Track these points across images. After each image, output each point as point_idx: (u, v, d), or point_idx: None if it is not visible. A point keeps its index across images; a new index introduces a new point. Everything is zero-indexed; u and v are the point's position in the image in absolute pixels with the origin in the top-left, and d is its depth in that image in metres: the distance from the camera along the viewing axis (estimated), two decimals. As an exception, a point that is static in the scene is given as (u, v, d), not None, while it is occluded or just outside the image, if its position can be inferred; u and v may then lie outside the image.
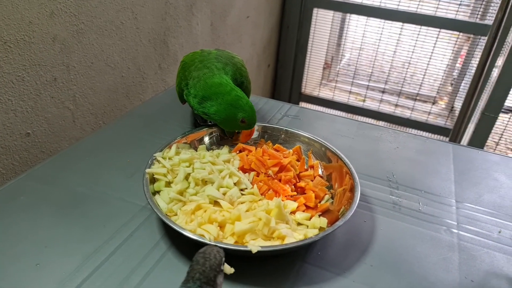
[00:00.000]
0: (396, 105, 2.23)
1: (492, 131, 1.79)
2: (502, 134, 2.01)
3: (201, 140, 0.77)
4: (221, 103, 0.73)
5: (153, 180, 0.64)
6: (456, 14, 1.87)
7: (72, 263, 0.53)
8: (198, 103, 0.76)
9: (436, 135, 2.13)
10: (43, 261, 0.53)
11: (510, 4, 1.59)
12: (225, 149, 0.76)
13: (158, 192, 0.63)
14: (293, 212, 0.63)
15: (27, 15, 0.78)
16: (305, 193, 0.67)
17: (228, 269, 0.43)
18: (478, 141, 1.79)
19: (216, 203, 0.61)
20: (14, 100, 0.81)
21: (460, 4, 1.85)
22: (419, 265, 0.58)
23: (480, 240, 0.64)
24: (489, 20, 1.84)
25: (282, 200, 0.63)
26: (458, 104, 2.04)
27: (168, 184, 0.64)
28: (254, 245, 0.51)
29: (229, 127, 0.77)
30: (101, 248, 0.56)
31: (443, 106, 2.30)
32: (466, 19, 1.91)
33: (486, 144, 1.84)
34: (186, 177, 0.64)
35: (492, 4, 1.86)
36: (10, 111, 0.81)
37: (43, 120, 0.89)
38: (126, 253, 0.56)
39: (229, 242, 0.54)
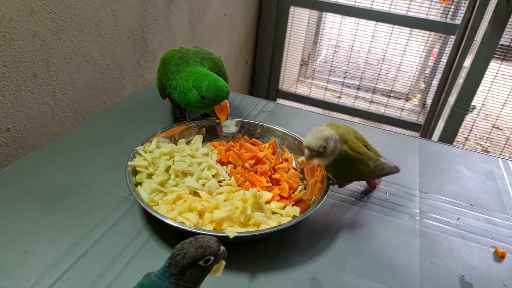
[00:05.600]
0: (371, 102, 2.29)
1: (462, 127, 1.87)
2: (470, 130, 2.10)
3: (180, 135, 0.80)
4: (188, 89, 0.77)
5: (135, 172, 0.67)
6: (427, 14, 1.94)
7: (59, 251, 0.56)
8: (178, 95, 0.79)
9: (408, 131, 2.21)
10: (31, 248, 0.56)
11: (477, 4, 1.67)
12: (198, 138, 0.79)
13: (140, 183, 0.67)
14: (268, 202, 0.67)
15: (8, 12, 0.80)
16: (279, 184, 0.71)
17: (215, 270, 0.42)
18: (448, 136, 1.87)
19: (195, 193, 0.65)
20: (-5, 95, 0.83)
21: (430, 4, 1.92)
22: (384, 249, 0.63)
23: (440, 226, 0.70)
24: (459, 20, 1.92)
25: (258, 191, 0.67)
26: (430, 101, 2.12)
27: (150, 176, 0.67)
28: (232, 231, 0.55)
29: (204, 109, 0.79)
30: (86, 236, 0.59)
31: (416, 103, 2.38)
32: (437, 19, 1.98)
33: (456, 139, 1.92)
34: (167, 169, 0.68)
35: (462, 4, 1.94)
36: (-9, 107, 0.82)
37: (23, 115, 0.91)
38: (111, 241, 0.59)
39: (208, 229, 0.58)
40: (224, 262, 0.43)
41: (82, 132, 0.85)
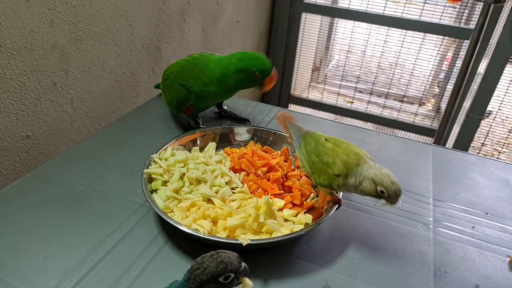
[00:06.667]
0: (384, 107, 2.28)
1: (478, 132, 1.85)
2: (487, 135, 2.07)
3: (194, 142, 0.82)
4: (229, 75, 0.80)
5: (150, 179, 0.69)
6: (440, 19, 1.93)
7: (77, 256, 0.58)
8: (217, 87, 0.82)
9: (422, 136, 2.19)
10: (50, 254, 0.58)
11: (491, 8, 1.65)
12: (211, 146, 0.81)
13: (155, 190, 0.68)
14: (280, 209, 0.68)
15: (29, 24, 0.82)
16: (292, 192, 0.71)
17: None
18: (463, 142, 1.84)
19: (209, 200, 0.66)
20: (16, 104, 0.85)
21: (444, 9, 1.91)
22: (397, 258, 0.63)
23: (454, 235, 0.70)
24: (473, 24, 1.90)
25: (271, 198, 0.68)
26: (444, 106, 2.10)
27: (165, 183, 0.69)
28: (245, 238, 0.56)
29: (249, 85, 0.83)
30: (104, 242, 0.61)
31: (430, 108, 2.37)
32: (451, 23, 1.97)
33: (472, 145, 1.90)
34: (181, 177, 0.69)
35: (477, 9, 1.92)
36: (12, 115, 0.85)
37: (43, 123, 0.93)
38: (127, 247, 0.60)
39: (222, 236, 0.59)
40: (251, 284, 0.42)
41: (98, 140, 0.87)
